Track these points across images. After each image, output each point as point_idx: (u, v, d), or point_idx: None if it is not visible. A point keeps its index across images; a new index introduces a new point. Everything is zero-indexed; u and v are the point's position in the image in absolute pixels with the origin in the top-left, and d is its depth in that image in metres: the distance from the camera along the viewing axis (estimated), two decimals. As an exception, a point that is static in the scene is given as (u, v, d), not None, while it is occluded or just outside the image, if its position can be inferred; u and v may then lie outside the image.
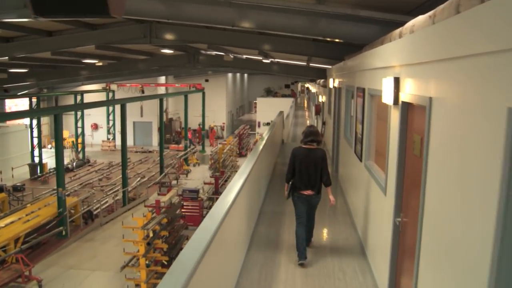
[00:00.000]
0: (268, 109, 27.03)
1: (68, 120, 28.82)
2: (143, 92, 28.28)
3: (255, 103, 36.96)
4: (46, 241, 12.86)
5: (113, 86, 28.91)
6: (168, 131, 32.02)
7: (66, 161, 22.89)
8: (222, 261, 4.16)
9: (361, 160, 6.14)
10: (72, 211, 14.51)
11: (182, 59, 17.41)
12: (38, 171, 22.70)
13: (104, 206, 15.86)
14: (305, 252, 5.34)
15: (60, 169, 13.74)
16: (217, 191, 15.26)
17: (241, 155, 24.30)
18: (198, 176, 21.94)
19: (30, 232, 12.14)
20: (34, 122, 24.94)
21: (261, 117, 29.89)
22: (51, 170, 21.91)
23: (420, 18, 3.43)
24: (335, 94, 11.16)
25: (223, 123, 37.73)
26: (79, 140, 27.78)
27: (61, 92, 29.13)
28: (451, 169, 2.55)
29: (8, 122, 23.77)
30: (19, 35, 11.41)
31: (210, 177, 17.44)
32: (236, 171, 6.23)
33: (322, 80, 17.07)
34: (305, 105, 44.54)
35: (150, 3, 7.10)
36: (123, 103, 17.78)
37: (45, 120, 27.70)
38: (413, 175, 3.55)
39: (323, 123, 16.55)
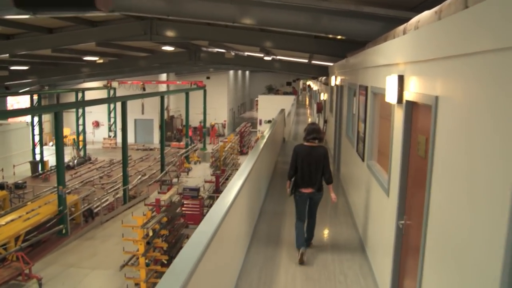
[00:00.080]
0: (269, 107, 26.89)
1: (70, 117, 28.81)
2: (144, 89, 28.22)
3: (257, 100, 36.85)
4: (46, 239, 12.82)
5: (114, 84, 28.87)
6: (169, 129, 31.96)
7: (67, 158, 22.95)
8: (221, 263, 4.08)
9: (363, 160, 6.04)
10: (73, 209, 14.47)
11: (183, 56, 17.32)
12: (40, 169, 22.69)
13: (104, 204, 15.82)
14: (304, 242, 5.40)
15: (61, 167, 13.69)
16: (217, 190, 15.17)
17: (242, 153, 24.20)
18: (199, 174, 21.88)
19: (30, 230, 12.11)
20: (36, 119, 24.92)
21: (262, 114, 29.76)
22: (52, 168, 21.89)
23: (426, 14, 3.31)
24: (337, 92, 11.04)
25: (225, 121, 37.65)
26: (80, 137, 27.77)
27: (62, 90, 29.10)
28: (459, 170, 2.44)
29: (10, 120, 23.76)
30: (19, 32, 11.36)
31: (211, 175, 17.36)
32: (237, 169, 6.14)
33: (323, 78, 16.96)
34: (307, 103, 44.40)
35: (150, -1, 7.02)
36: (124, 100, 17.71)
37: (46, 117, 27.67)
38: (417, 177, 3.44)
39: (325, 121, 16.43)
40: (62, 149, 13.88)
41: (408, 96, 3.62)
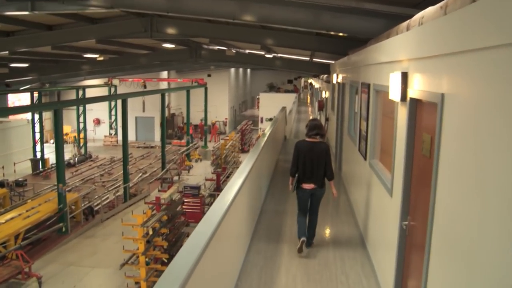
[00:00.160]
0: (270, 105, 26.82)
1: (70, 115, 28.76)
2: (145, 87, 28.13)
3: (258, 98, 36.76)
4: (46, 237, 12.77)
5: (115, 81, 28.78)
6: (170, 127, 31.91)
7: (68, 156, 22.91)
8: (220, 263, 4.01)
9: (365, 159, 5.96)
10: (73, 207, 14.42)
11: (184, 53, 17.25)
12: (40, 166, 22.65)
13: (105, 202, 15.77)
14: (305, 232, 5.45)
15: (61, 164, 13.64)
16: (218, 188, 15.11)
17: (244, 151, 24.12)
18: (200, 172, 21.83)
19: (30, 228, 12.07)
20: (36, 117, 24.87)
21: (263, 112, 29.71)
22: (53, 166, 21.85)
23: (430, 9, 3.23)
24: (339, 89, 10.95)
25: (226, 119, 37.56)
26: (81, 135, 27.72)
27: (62, 87, 29.04)
28: (466, 169, 2.37)
29: (11, 117, 23.71)
30: (19, 29, 11.31)
31: (212, 173, 17.30)
32: (238, 167, 6.08)
33: (325, 76, 16.87)
34: (308, 100, 44.24)
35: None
36: (124, 98, 17.64)
37: (47, 115, 27.60)
38: (421, 176, 3.36)
39: (326, 119, 16.33)
40: (62, 147, 13.82)
41: (412, 93, 3.53)
